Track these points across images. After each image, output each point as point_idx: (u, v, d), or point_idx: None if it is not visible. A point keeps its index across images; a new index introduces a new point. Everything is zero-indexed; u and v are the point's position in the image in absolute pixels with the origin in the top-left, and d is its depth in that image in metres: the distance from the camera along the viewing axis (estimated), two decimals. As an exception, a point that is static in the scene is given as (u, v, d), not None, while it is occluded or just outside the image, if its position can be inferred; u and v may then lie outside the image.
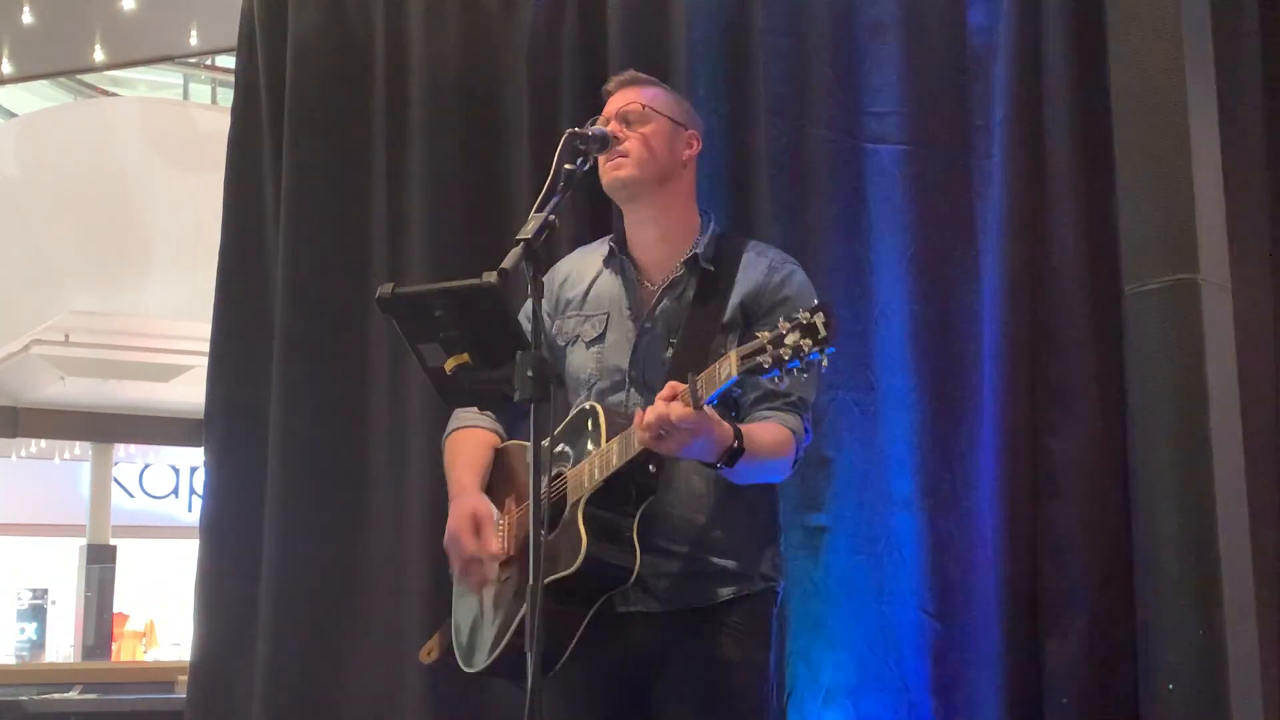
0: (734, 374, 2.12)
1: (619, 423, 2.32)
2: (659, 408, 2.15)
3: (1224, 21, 3.09)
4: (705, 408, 2.16)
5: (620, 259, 2.55)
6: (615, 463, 2.26)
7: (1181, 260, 2.87)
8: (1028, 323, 3.16)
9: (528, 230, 2.12)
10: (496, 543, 2.40)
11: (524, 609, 2.28)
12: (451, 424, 2.63)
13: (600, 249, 2.62)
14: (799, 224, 3.28)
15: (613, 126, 2.48)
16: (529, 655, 1.95)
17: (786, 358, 2.05)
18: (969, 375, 3.20)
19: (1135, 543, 3.01)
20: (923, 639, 3.13)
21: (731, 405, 2.44)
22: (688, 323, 2.45)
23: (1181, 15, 2.93)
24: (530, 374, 2.00)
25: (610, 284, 2.55)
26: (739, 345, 2.38)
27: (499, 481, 2.53)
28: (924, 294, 3.24)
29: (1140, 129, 2.98)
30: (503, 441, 2.59)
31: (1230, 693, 2.71)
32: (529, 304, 2.18)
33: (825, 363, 2.07)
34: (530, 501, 2.02)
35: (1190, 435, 2.84)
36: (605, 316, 2.53)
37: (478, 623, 2.48)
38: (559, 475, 2.37)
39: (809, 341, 2.04)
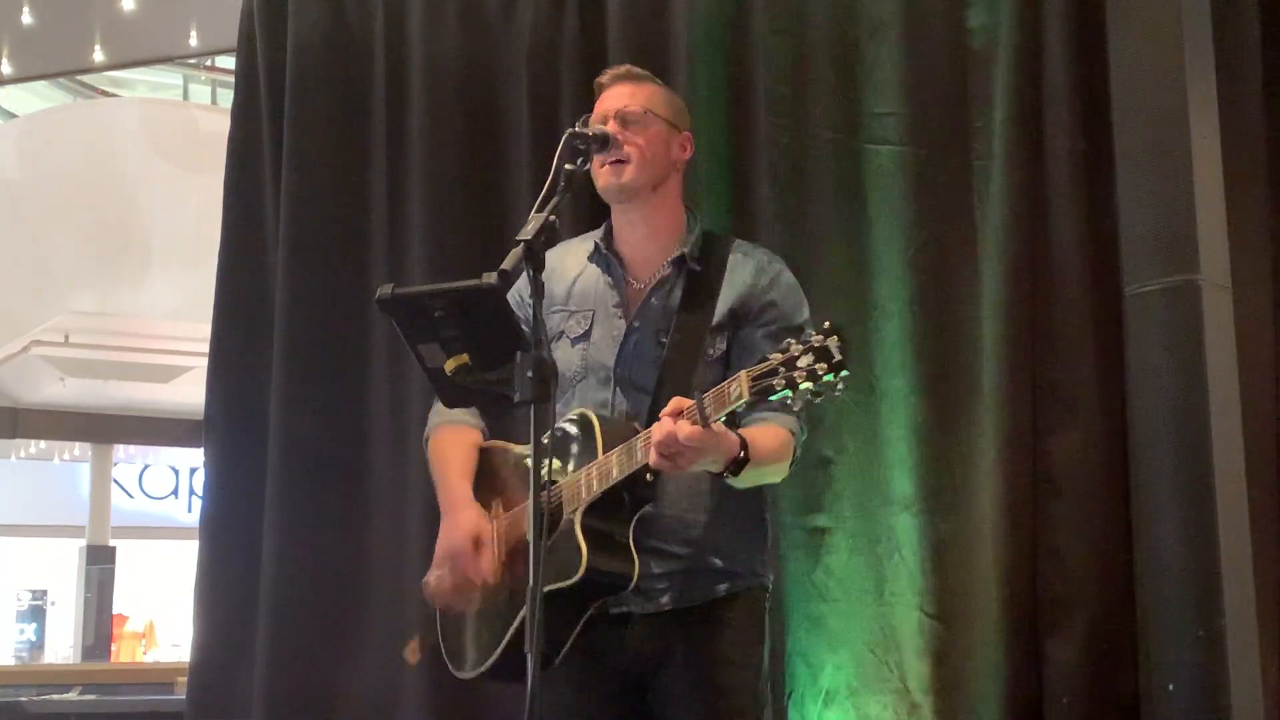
0: (745, 396, 2.09)
1: (615, 433, 2.31)
2: (666, 425, 2.13)
3: (1224, 21, 3.09)
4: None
5: (606, 256, 2.54)
6: (616, 475, 2.25)
7: (1181, 260, 2.88)
8: (1028, 323, 3.16)
9: (528, 231, 2.11)
10: (491, 564, 2.40)
11: (521, 614, 2.29)
12: (433, 419, 2.60)
13: (584, 244, 2.59)
14: (799, 224, 3.28)
15: (611, 126, 2.46)
16: (529, 659, 1.95)
17: (800, 380, 2.03)
18: (969, 375, 3.20)
19: (1135, 543, 3.02)
20: (923, 639, 3.13)
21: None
22: (677, 324, 2.44)
23: (1181, 15, 2.94)
24: (530, 375, 1.99)
25: (595, 280, 2.53)
26: (729, 347, 2.40)
27: (482, 483, 2.52)
28: (924, 294, 3.24)
29: (1140, 129, 2.99)
30: (484, 439, 2.58)
31: (1230, 693, 2.72)
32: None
33: (841, 386, 2.05)
34: (530, 506, 2.01)
35: (1190, 435, 2.84)
36: (591, 313, 2.51)
37: (469, 628, 2.46)
38: (553, 483, 2.35)
39: (823, 365, 2.03)
